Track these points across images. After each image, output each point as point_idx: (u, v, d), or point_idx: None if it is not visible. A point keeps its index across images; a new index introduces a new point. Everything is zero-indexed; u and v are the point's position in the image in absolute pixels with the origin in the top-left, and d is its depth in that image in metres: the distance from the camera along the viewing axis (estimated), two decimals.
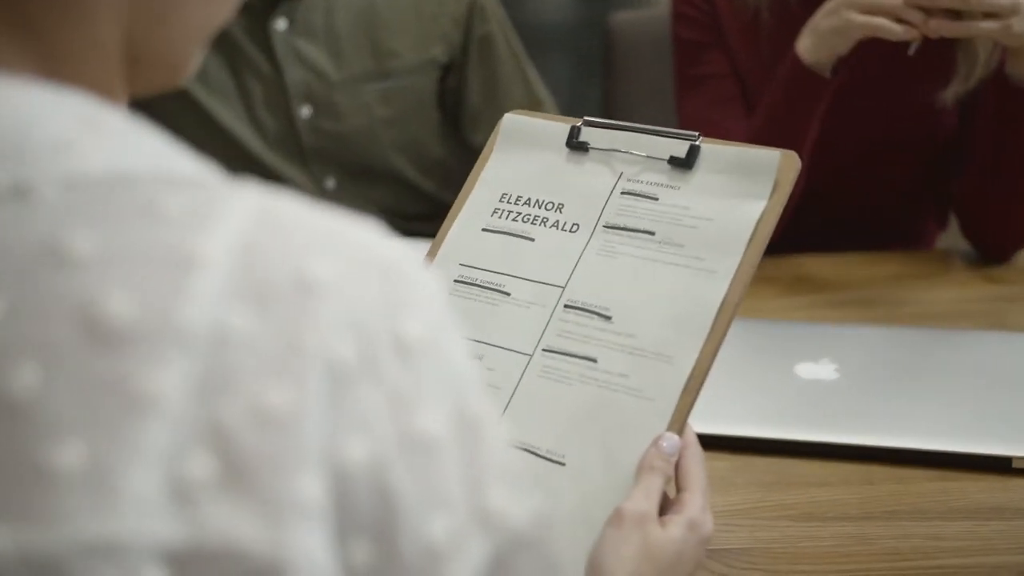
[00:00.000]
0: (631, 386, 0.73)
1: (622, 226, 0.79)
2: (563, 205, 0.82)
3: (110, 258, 0.37)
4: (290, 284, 0.38)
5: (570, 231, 0.80)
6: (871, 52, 1.31)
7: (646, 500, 0.68)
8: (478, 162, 0.86)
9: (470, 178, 0.85)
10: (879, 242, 1.50)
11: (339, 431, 0.38)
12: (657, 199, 0.79)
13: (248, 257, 0.38)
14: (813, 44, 1.30)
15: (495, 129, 0.86)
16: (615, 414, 0.73)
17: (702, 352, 0.73)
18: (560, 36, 2.83)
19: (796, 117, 1.34)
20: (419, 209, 1.61)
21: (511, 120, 0.86)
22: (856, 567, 0.85)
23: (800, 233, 1.41)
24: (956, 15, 1.22)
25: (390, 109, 1.55)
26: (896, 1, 1.22)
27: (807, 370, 1.09)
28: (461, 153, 1.61)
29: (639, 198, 0.80)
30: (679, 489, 0.71)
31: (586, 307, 0.77)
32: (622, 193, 0.80)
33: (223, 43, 1.49)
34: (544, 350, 0.77)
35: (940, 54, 1.33)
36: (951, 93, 1.36)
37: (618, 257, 0.78)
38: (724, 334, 0.73)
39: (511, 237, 0.82)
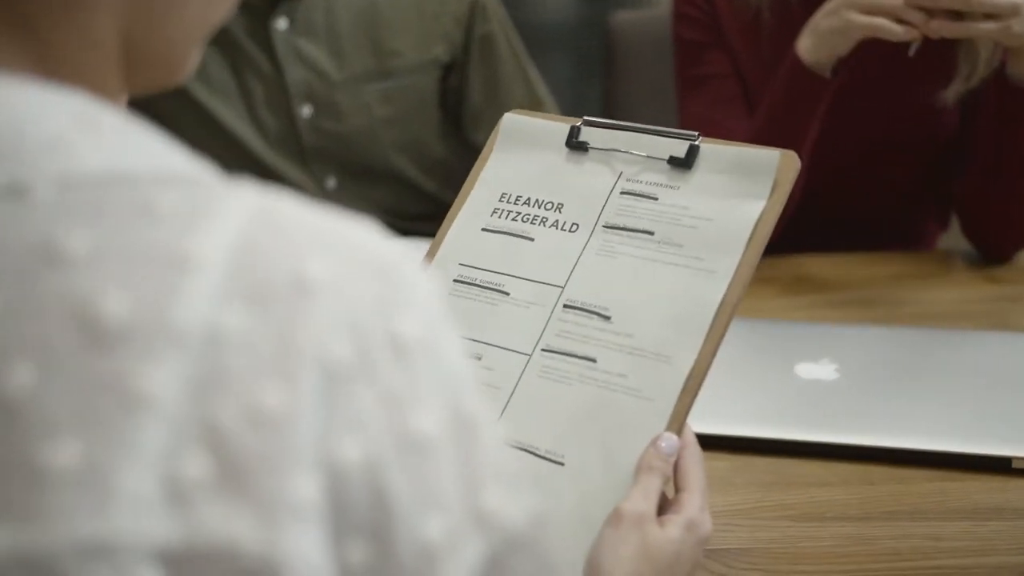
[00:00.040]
0: (630, 386, 0.73)
1: (621, 226, 0.79)
2: (563, 205, 0.82)
3: (106, 257, 0.37)
4: (286, 284, 0.38)
5: (569, 231, 0.80)
6: (871, 52, 1.31)
7: (644, 500, 0.68)
8: (478, 162, 0.86)
9: (470, 178, 0.85)
10: (880, 243, 1.50)
11: (334, 431, 0.38)
12: (656, 199, 0.79)
13: (244, 256, 0.38)
14: (813, 44, 1.30)
15: (495, 129, 0.86)
16: (614, 414, 0.73)
17: (701, 352, 0.73)
18: (561, 36, 2.83)
19: (796, 117, 1.34)
20: (420, 209, 1.61)
21: (511, 120, 0.86)
22: (855, 567, 0.85)
23: (800, 233, 1.41)
24: (957, 16, 1.22)
25: (391, 109, 1.55)
26: (896, 1, 1.22)
27: (807, 370, 1.09)
28: (462, 153, 1.61)
29: (639, 198, 0.79)
30: (678, 489, 0.71)
31: (585, 307, 0.77)
32: (622, 193, 0.80)
33: (224, 42, 1.49)
34: (543, 350, 0.77)
35: (940, 54, 1.33)
36: (952, 93, 1.36)
37: (617, 257, 0.78)
38: (723, 334, 0.73)
39: (510, 237, 0.82)
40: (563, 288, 0.78)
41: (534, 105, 1.61)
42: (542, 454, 0.73)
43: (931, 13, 1.21)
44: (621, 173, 0.81)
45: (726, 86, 1.46)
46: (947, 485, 0.94)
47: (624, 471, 0.70)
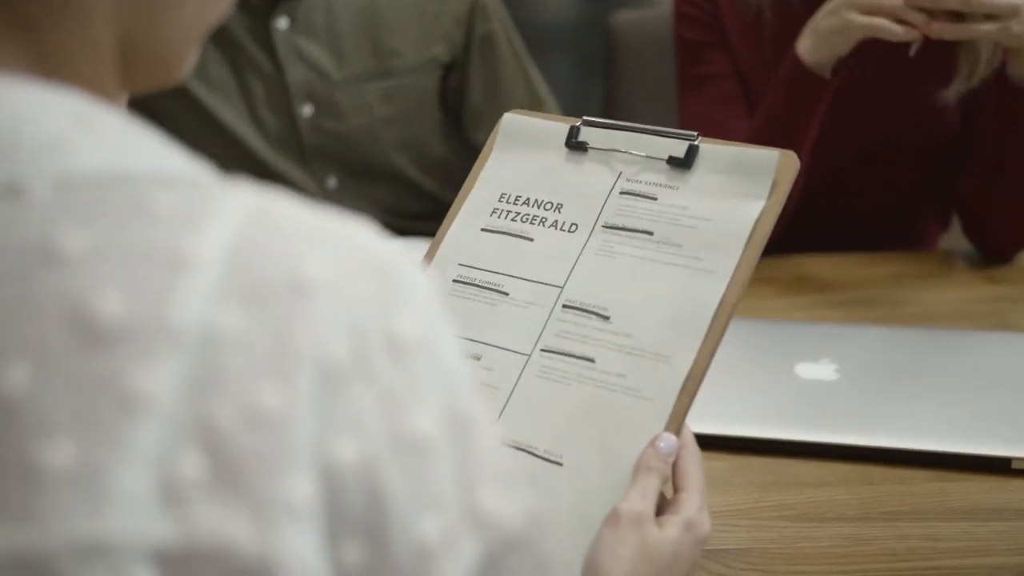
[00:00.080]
0: (629, 386, 0.73)
1: (621, 226, 0.79)
2: (562, 205, 0.82)
3: (102, 257, 0.37)
4: (283, 283, 0.38)
5: (569, 231, 0.80)
6: (872, 52, 1.31)
7: (643, 500, 0.68)
8: (477, 162, 0.86)
9: (469, 178, 0.85)
10: (880, 243, 1.50)
11: (330, 431, 0.38)
12: (656, 199, 0.79)
13: (241, 256, 0.38)
14: (813, 44, 1.30)
15: (494, 129, 0.86)
16: (613, 414, 0.73)
17: (700, 352, 0.73)
18: (562, 35, 2.83)
19: (796, 117, 1.34)
20: (420, 208, 1.61)
21: (510, 120, 0.86)
22: (854, 568, 0.85)
23: (801, 233, 1.40)
24: (957, 17, 1.22)
25: (391, 108, 1.55)
26: (897, 1, 1.22)
27: (807, 370, 1.09)
28: (463, 152, 1.61)
29: (638, 198, 0.80)
30: (676, 489, 0.71)
31: (584, 307, 0.77)
32: (621, 193, 0.80)
33: (224, 42, 1.50)
34: (542, 350, 0.77)
35: (941, 54, 1.33)
36: (952, 93, 1.36)
37: (616, 257, 0.78)
38: (722, 334, 0.73)
39: (510, 237, 0.82)
40: (562, 288, 0.78)
41: (535, 105, 1.61)
42: (540, 454, 0.73)
43: (931, 14, 1.21)
44: (620, 173, 0.81)
45: (727, 86, 1.46)
46: (946, 485, 0.94)
47: (622, 471, 0.70)
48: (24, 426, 0.36)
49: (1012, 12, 1.19)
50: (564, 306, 0.78)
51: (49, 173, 0.39)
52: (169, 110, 1.49)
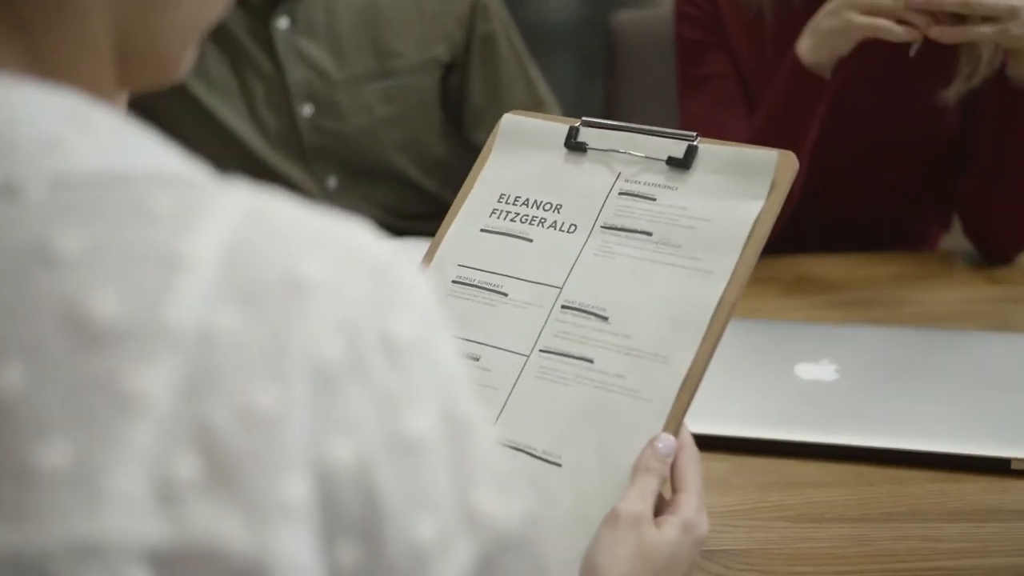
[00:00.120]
0: (627, 387, 0.73)
1: (620, 227, 0.79)
2: (561, 206, 0.82)
3: (98, 257, 0.37)
4: (279, 284, 0.38)
5: (568, 232, 0.80)
6: (872, 53, 1.31)
7: (641, 501, 0.68)
8: (477, 162, 0.86)
9: (469, 178, 0.85)
10: (881, 243, 1.50)
11: (325, 432, 0.38)
12: (655, 199, 0.79)
13: (237, 256, 0.38)
14: (814, 45, 1.30)
15: (494, 129, 0.86)
16: (611, 415, 0.73)
17: (698, 352, 0.73)
18: (563, 35, 2.82)
19: (796, 118, 1.34)
20: (421, 208, 1.61)
21: (510, 120, 0.86)
22: (853, 569, 0.85)
23: (801, 233, 1.40)
24: (957, 18, 1.22)
25: (392, 108, 1.55)
26: (898, 2, 1.21)
27: (807, 370, 1.08)
28: (463, 152, 1.61)
29: (637, 198, 0.80)
30: (674, 490, 0.71)
31: (583, 308, 0.77)
32: (620, 194, 0.80)
33: (225, 42, 1.50)
34: (541, 351, 0.77)
35: (941, 55, 1.33)
36: (953, 93, 1.36)
37: (615, 258, 0.78)
38: (721, 334, 0.73)
39: (509, 238, 0.82)
40: (561, 289, 0.78)
41: (535, 105, 1.61)
42: (539, 455, 0.73)
43: (934, 17, 1.21)
44: (620, 174, 0.81)
45: (727, 86, 1.46)
46: (946, 486, 0.94)
47: (621, 472, 0.70)
48: (20, 426, 0.36)
49: (1010, 14, 1.19)
50: (563, 307, 0.78)
51: (45, 173, 0.39)
52: (169, 110, 1.49)
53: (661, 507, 0.70)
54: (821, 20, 1.29)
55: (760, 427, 1.00)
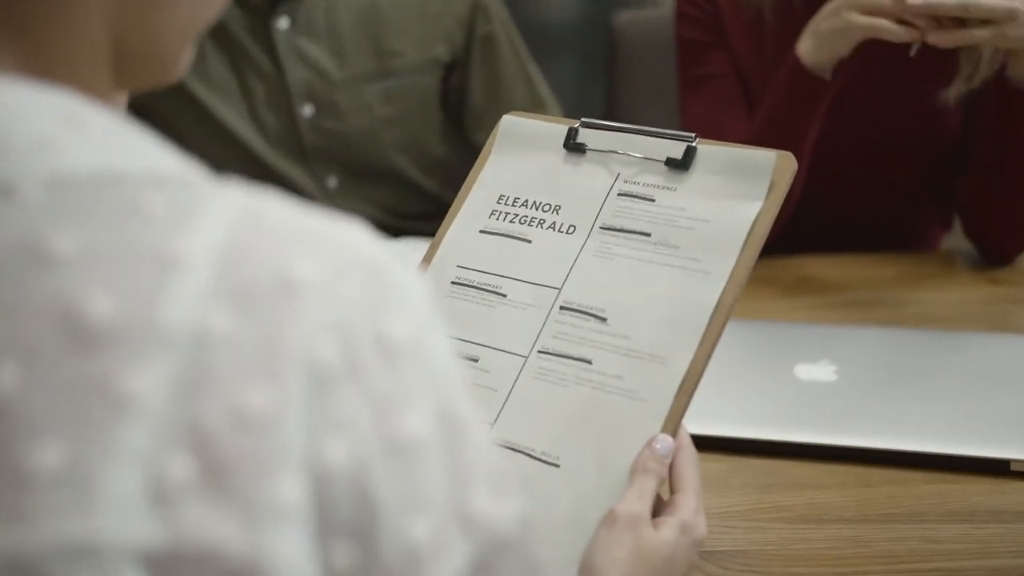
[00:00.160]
0: (626, 388, 0.73)
1: (618, 227, 0.79)
2: (560, 207, 0.82)
3: (92, 257, 0.37)
4: (273, 284, 0.38)
5: (567, 233, 0.80)
6: (873, 53, 1.31)
7: (639, 502, 0.68)
8: (476, 163, 0.86)
9: (468, 179, 0.85)
10: (881, 244, 1.50)
11: (320, 433, 0.37)
12: (654, 200, 0.79)
13: (231, 257, 0.38)
14: (814, 45, 1.30)
15: (494, 130, 0.86)
16: (609, 416, 0.73)
17: (697, 353, 0.73)
18: (564, 36, 2.82)
19: (796, 118, 1.34)
20: (421, 208, 1.61)
21: (509, 122, 0.86)
22: (852, 570, 0.84)
23: (801, 234, 1.40)
24: (959, 21, 1.21)
25: (392, 108, 1.55)
26: (897, 2, 1.21)
27: (806, 371, 1.08)
28: (463, 152, 1.61)
29: (636, 199, 0.80)
30: (672, 491, 0.71)
31: (582, 309, 0.77)
32: (619, 195, 0.80)
33: (225, 42, 1.50)
34: (540, 352, 0.77)
35: (941, 55, 1.33)
36: (953, 93, 1.36)
37: (614, 259, 0.78)
38: (719, 335, 0.73)
39: (508, 239, 0.82)
40: (560, 290, 0.78)
41: (536, 105, 1.61)
42: (537, 456, 0.73)
43: (934, 19, 1.21)
44: (618, 175, 0.81)
45: (727, 86, 1.46)
46: (945, 487, 0.94)
47: (619, 473, 0.70)
48: (14, 427, 0.36)
49: (1008, 16, 1.19)
50: (562, 308, 0.78)
51: (41, 173, 0.39)
52: (169, 110, 1.49)
53: (659, 508, 0.70)
54: (821, 21, 1.29)
55: (759, 428, 1.00)
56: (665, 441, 0.70)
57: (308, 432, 0.37)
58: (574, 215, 0.81)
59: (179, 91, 1.48)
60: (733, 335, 0.76)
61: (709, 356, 0.73)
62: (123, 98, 0.51)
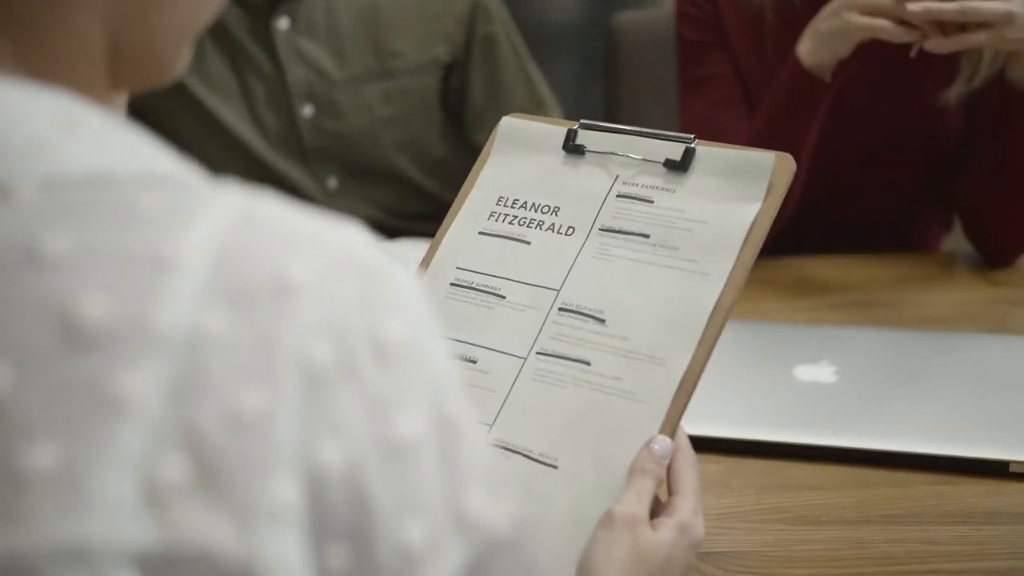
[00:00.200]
0: (624, 389, 0.73)
1: (617, 229, 0.79)
2: (559, 208, 0.82)
3: (86, 259, 0.37)
4: (267, 286, 0.38)
5: (565, 234, 0.81)
6: (872, 54, 1.31)
7: (637, 503, 0.68)
8: (475, 165, 0.86)
9: (467, 181, 0.86)
10: (881, 245, 1.50)
11: (315, 434, 0.37)
12: (652, 202, 0.79)
13: (227, 258, 0.38)
14: (814, 46, 1.30)
15: (493, 132, 0.86)
16: (608, 417, 0.73)
17: (695, 355, 0.73)
18: (564, 36, 2.82)
19: (796, 120, 1.34)
20: (421, 209, 1.61)
21: (508, 123, 0.86)
22: (850, 571, 0.84)
23: (801, 235, 1.40)
24: (959, 25, 1.22)
25: (392, 109, 1.55)
26: (897, 3, 1.21)
27: (805, 372, 1.08)
28: (463, 153, 1.61)
29: (634, 201, 0.80)
30: (670, 492, 0.71)
31: (580, 310, 0.77)
32: (617, 196, 0.80)
33: (225, 42, 1.50)
34: (538, 353, 0.77)
35: (942, 55, 1.33)
36: (953, 94, 1.35)
37: (613, 260, 0.78)
38: (717, 337, 0.73)
39: (507, 240, 0.82)
40: (558, 291, 0.78)
41: (536, 105, 1.61)
42: (535, 457, 0.73)
43: (935, 21, 1.21)
44: (617, 176, 0.81)
45: (728, 87, 1.46)
46: (944, 489, 0.94)
47: (617, 474, 0.71)
48: (7, 428, 0.35)
49: (1006, 20, 1.19)
50: (560, 309, 0.78)
51: (35, 174, 0.39)
52: (169, 110, 1.49)
53: (657, 509, 0.70)
54: (821, 22, 1.29)
55: (758, 429, 1.00)
56: (663, 442, 0.70)
57: (303, 433, 0.37)
58: (573, 216, 0.81)
59: (179, 91, 1.49)
60: (732, 336, 0.76)
61: (707, 357, 0.73)
62: (123, 99, 0.51)
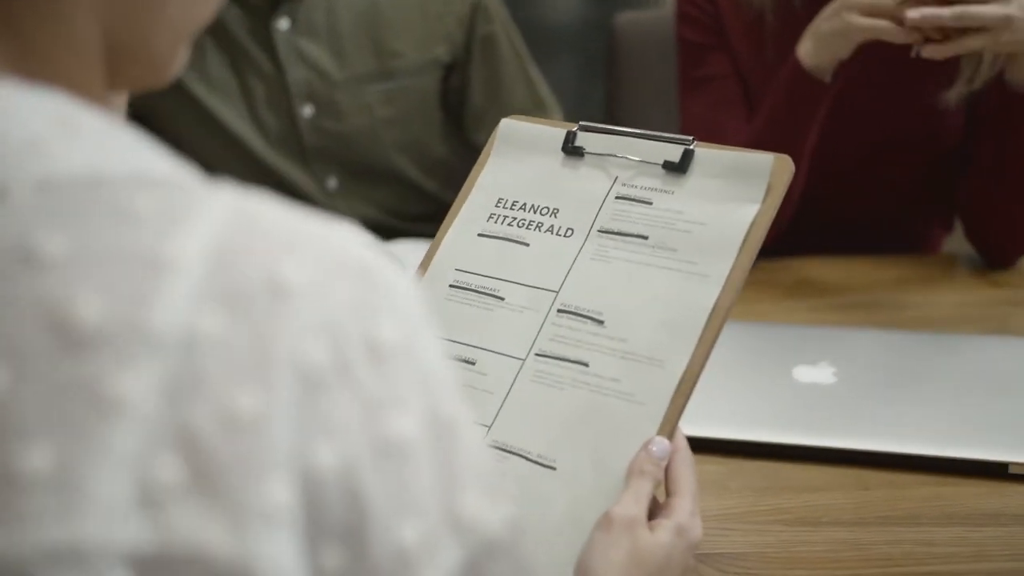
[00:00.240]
0: (623, 390, 0.73)
1: (616, 231, 0.79)
2: (558, 210, 0.82)
3: (81, 260, 0.37)
4: (262, 287, 0.38)
5: (564, 236, 0.81)
6: (873, 55, 1.31)
7: (635, 504, 0.68)
8: (475, 167, 0.86)
9: (467, 183, 0.86)
10: (882, 246, 1.50)
11: (309, 436, 0.37)
12: (651, 203, 0.79)
13: (221, 259, 0.38)
14: (814, 47, 1.30)
15: (492, 134, 0.87)
16: (606, 418, 0.73)
17: (693, 356, 0.73)
18: (565, 37, 2.82)
19: (797, 121, 1.34)
20: (421, 209, 1.61)
21: (508, 125, 0.86)
22: (849, 572, 0.84)
23: (802, 236, 1.40)
24: (959, 28, 1.22)
25: (392, 109, 1.55)
26: (898, 3, 1.21)
27: (805, 373, 1.08)
28: (463, 153, 1.61)
29: (633, 202, 0.80)
30: (668, 494, 0.71)
31: (579, 311, 0.77)
32: (616, 198, 0.80)
33: (225, 42, 1.50)
34: (537, 354, 0.77)
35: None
36: (954, 95, 1.35)
37: (612, 262, 0.78)
38: (716, 338, 0.73)
39: (506, 242, 0.82)
40: (557, 293, 0.78)
41: (536, 106, 1.61)
42: (534, 458, 0.73)
43: (944, 32, 1.21)
44: (616, 178, 0.81)
45: (728, 87, 1.46)
46: (943, 490, 0.94)
47: (615, 475, 0.70)
48: (2, 429, 0.36)
49: (1004, 23, 1.19)
50: (559, 311, 0.78)
51: (30, 175, 0.39)
52: (169, 110, 1.49)
53: (655, 511, 0.70)
54: (821, 23, 1.29)
55: (757, 430, 1.00)
56: (661, 444, 0.70)
57: (297, 434, 0.37)
58: (572, 218, 0.81)
59: (179, 91, 1.49)
60: (732, 337, 0.76)
61: (706, 359, 0.73)
62: (122, 100, 0.51)
